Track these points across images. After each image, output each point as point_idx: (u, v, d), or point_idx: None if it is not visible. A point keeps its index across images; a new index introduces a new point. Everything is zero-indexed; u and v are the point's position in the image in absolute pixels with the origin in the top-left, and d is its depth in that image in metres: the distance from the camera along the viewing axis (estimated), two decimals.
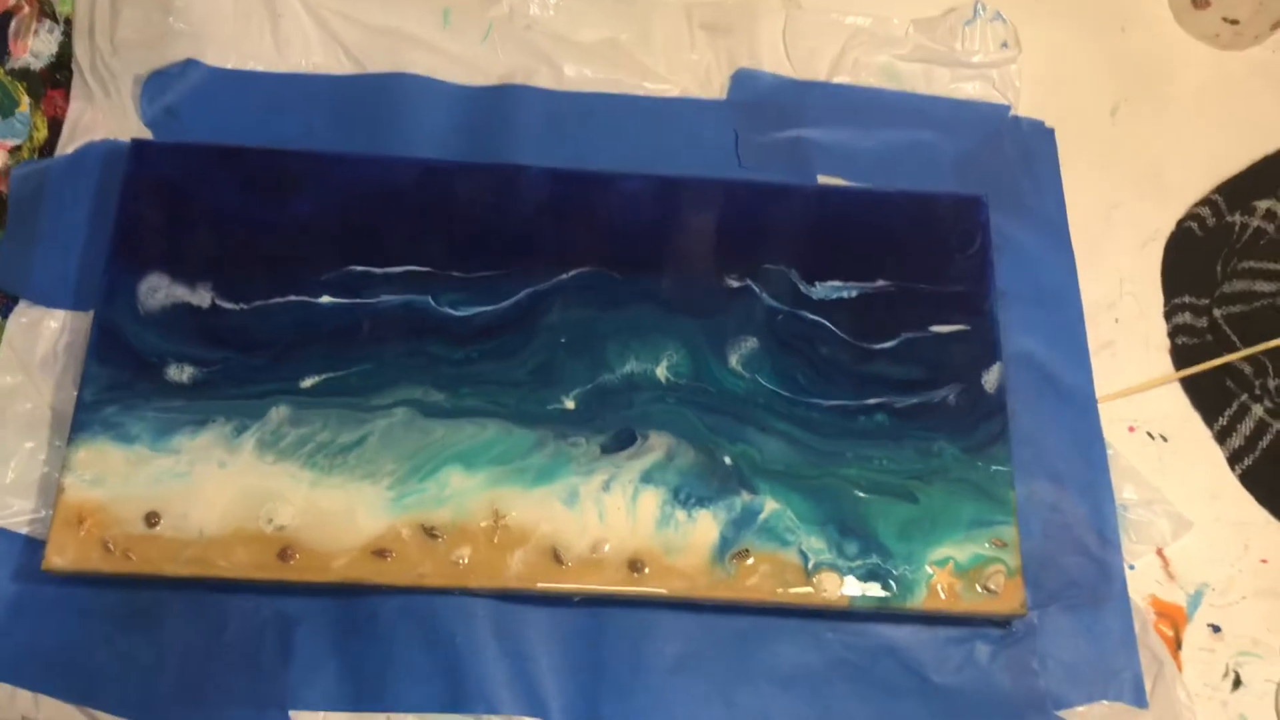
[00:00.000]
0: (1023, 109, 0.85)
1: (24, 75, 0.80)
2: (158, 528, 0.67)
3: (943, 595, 0.68)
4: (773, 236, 0.77)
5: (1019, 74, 0.86)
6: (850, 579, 0.68)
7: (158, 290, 0.72)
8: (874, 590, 0.68)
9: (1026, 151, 0.85)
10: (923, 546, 0.69)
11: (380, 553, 0.67)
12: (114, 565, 0.66)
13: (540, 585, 0.67)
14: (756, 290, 0.75)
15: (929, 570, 0.69)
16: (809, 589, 0.68)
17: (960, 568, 0.69)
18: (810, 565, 0.69)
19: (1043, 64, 0.86)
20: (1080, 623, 0.70)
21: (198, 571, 0.66)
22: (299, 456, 0.69)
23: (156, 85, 0.80)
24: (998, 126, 0.85)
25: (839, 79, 0.85)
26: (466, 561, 0.67)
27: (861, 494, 0.70)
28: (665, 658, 0.69)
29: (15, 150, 0.78)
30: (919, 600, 0.68)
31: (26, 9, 0.80)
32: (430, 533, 0.67)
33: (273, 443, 0.69)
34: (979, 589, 0.69)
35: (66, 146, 0.79)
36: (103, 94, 0.80)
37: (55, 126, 0.80)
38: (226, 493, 0.68)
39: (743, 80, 0.85)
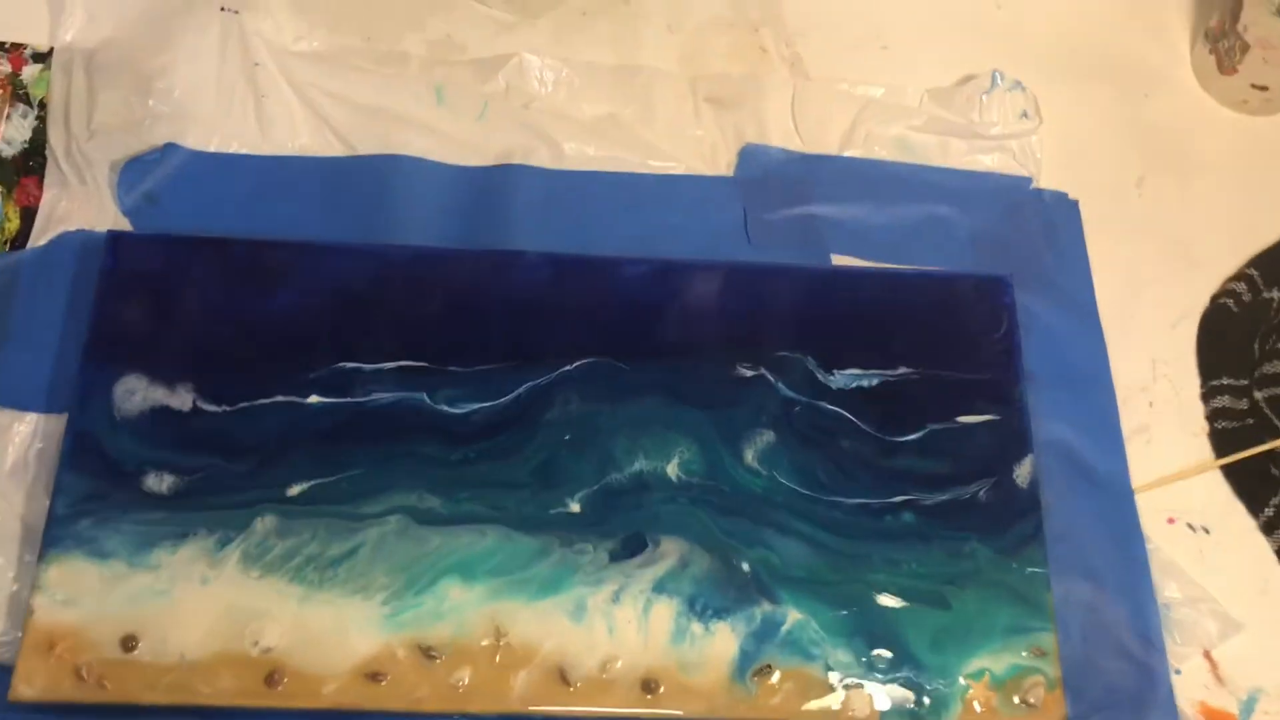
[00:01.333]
0: (1044, 181, 0.82)
1: None
2: (135, 652, 0.62)
3: (979, 710, 0.64)
4: (786, 321, 0.73)
5: (1040, 145, 0.82)
6: (881, 696, 0.64)
7: (135, 392, 0.68)
8: (907, 708, 0.63)
9: (1050, 225, 0.81)
10: (957, 658, 0.65)
11: (374, 675, 0.62)
12: (87, 694, 0.61)
13: (544, 709, 0.62)
14: (771, 379, 0.71)
15: (964, 684, 0.64)
16: (837, 709, 0.63)
17: (997, 680, 0.64)
18: (837, 682, 0.64)
19: (1064, 134, 0.82)
20: None
21: (178, 699, 0.61)
22: (286, 570, 0.64)
23: (135, 172, 0.76)
24: (1019, 199, 0.81)
25: (850, 152, 0.82)
26: (466, 684, 0.62)
27: (890, 601, 0.66)
28: None
29: None
30: (954, 718, 0.63)
31: None
32: (427, 653, 0.63)
33: (258, 556, 0.64)
34: (1017, 702, 0.64)
35: (40, 237, 0.75)
36: (78, 181, 0.76)
37: (29, 216, 0.76)
38: (209, 612, 0.63)
39: (750, 156, 0.81)
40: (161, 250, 0.72)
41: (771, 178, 0.81)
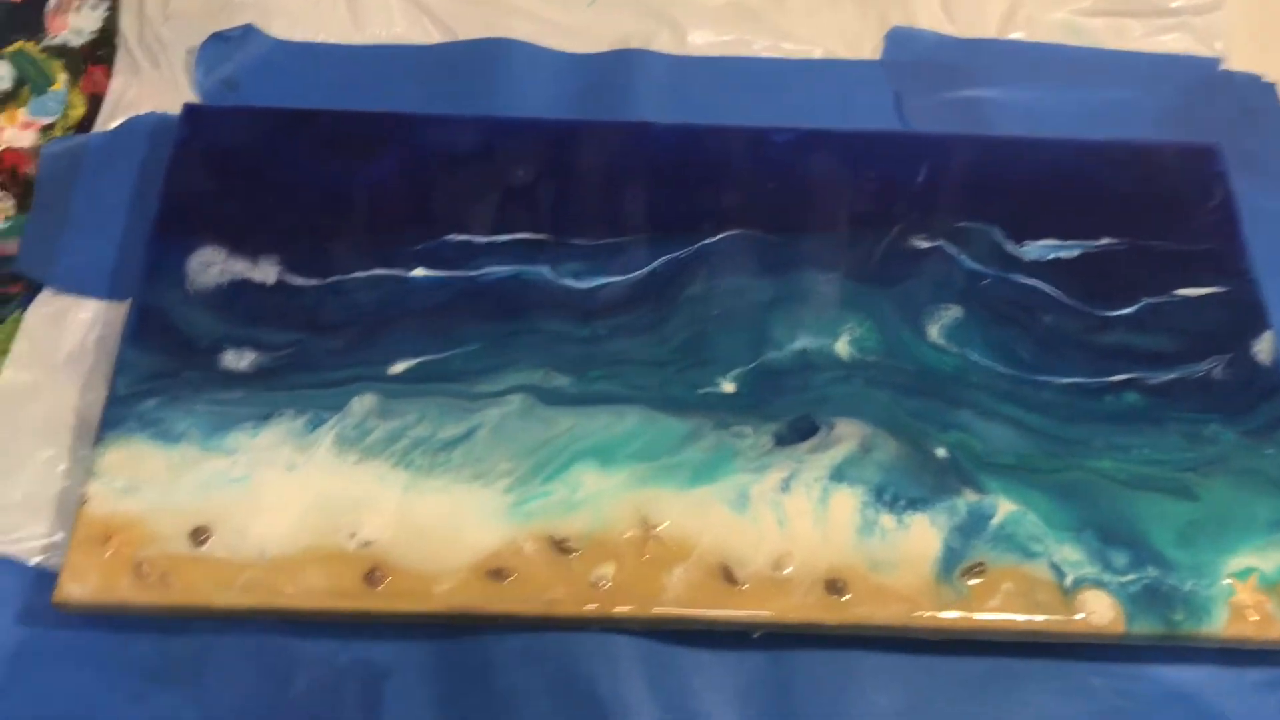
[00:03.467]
0: (1234, 63, 0.71)
1: (61, 52, 0.69)
2: (206, 546, 0.51)
3: (1250, 618, 0.51)
4: (966, 192, 0.62)
5: (1226, 22, 0.72)
6: (1124, 599, 0.51)
7: (211, 265, 0.58)
8: (1156, 614, 0.51)
9: (1246, 109, 0.70)
10: (1214, 555, 0.52)
11: (496, 573, 0.50)
12: (149, 595, 0.50)
13: (711, 613, 0.50)
14: (951, 251, 0.60)
15: (1227, 585, 0.51)
16: (1072, 614, 0.50)
17: (1267, 580, 0.51)
18: (1067, 582, 0.51)
19: (1253, 8, 0.72)
20: None
21: (258, 602, 0.50)
22: (390, 455, 0.53)
23: (214, 53, 0.68)
24: (1207, 82, 0.71)
25: (1011, 37, 0.72)
26: (610, 583, 0.50)
27: (1123, 490, 0.53)
28: (879, 713, 0.51)
29: (47, 129, 0.66)
30: (1218, 626, 0.51)
31: None
32: (561, 546, 0.51)
33: (356, 439, 0.53)
34: None
35: (108, 123, 0.66)
36: (151, 66, 0.68)
37: (96, 104, 0.67)
38: (297, 501, 0.52)
39: (899, 39, 0.72)
40: (243, 122, 0.63)
41: (925, 62, 0.71)
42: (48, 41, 0.70)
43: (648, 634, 0.52)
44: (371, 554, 0.51)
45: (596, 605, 0.50)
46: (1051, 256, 0.60)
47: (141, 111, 0.66)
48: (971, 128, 0.68)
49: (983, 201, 0.62)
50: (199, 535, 0.51)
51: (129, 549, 0.51)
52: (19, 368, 0.57)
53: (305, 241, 0.59)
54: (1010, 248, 0.60)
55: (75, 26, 0.70)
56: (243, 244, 0.59)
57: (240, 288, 0.58)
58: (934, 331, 0.58)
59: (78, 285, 0.60)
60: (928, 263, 0.60)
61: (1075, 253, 0.60)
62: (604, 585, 0.51)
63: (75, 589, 0.50)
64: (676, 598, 0.50)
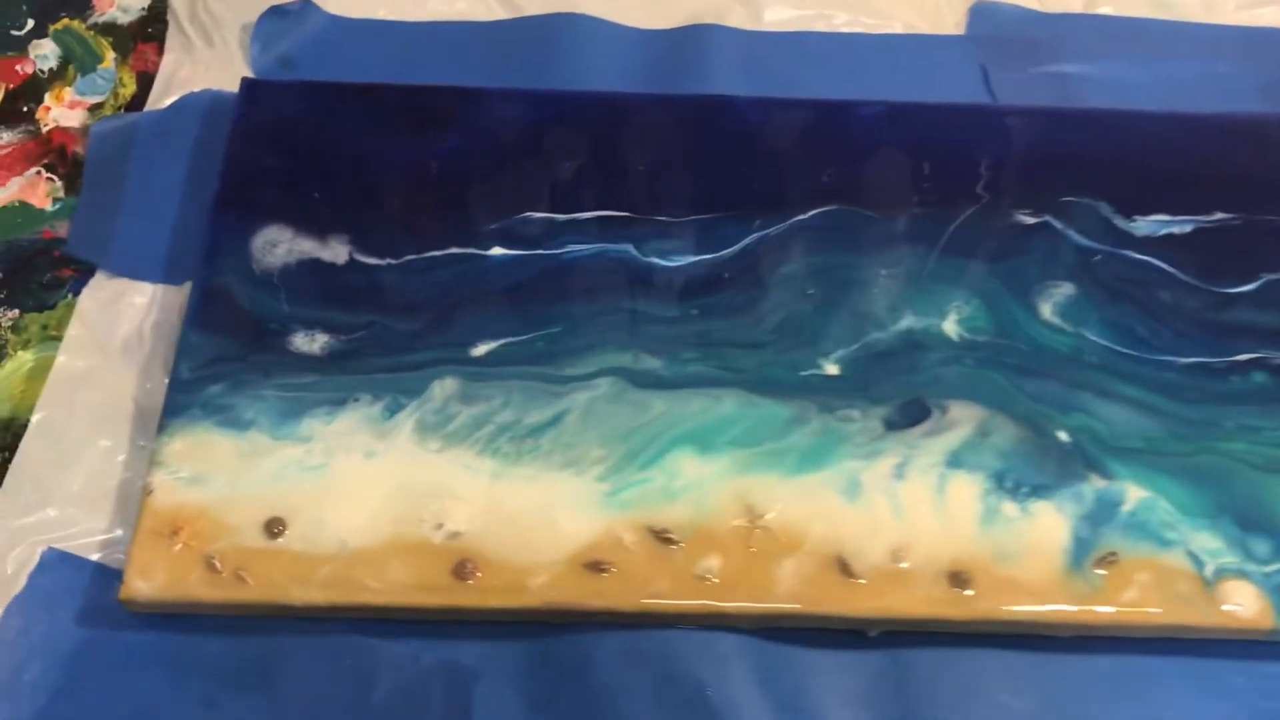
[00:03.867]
0: None
1: (109, 30, 0.66)
2: (282, 539, 0.47)
3: None
4: (1070, 166, 0.59)
5: None
6: (1267, 590, 0.47)
7: (278, 245, 0.55)
8: None
9: None
10: None
11: (595, 565, 0.47)
12: (223, 591, 0.46)
13: (829, 609, 0.47)
14: (1058, 226, 0.57)
15: None
16: (1216, 606, 0.47)
17: None
18: (1208, 572, 0.48)
19: None
20: None
21: (341, 598, 0.46)
22: (475, 441, 0.50)
23: (270, 29, 0.65)
24: None
25: (1098, 11, 0.69)
26: (717, 575, 0.47)
27: (1258, 474, 0.50)
28: (1007, 715, 0.47)
29: (96, 108, 0.63)
30: None
31: None
32: (662, 537, 0.47)
33: (438, 425, 0.50)
34: None
35: (160, 101, 0.63)
36: (204, 43, 0.65)
37: (146, 83, 0.64)
38: (377, 490, 0.48)
39: (983, 13, 0.69)
40: (305, 96, 0.60)
41: (1010, 36, 0.68)
42: (95, 19, 0.66)
43: (756, 632, 0.48)
44: (460, 545, 0.47)
45: (704, 600, 0.46)
46: (1164, 232, 0.57)
47: (195, 89, 0.63)
48: (1062, 103, 0.65)
49: (1088, 176, 0.58)
50: (274, 527, 0.47)
51: (198, 542, 0.47)
52: (73, 354, 0.54)
53: (375, 220, 0.56)
54: (1120, 223, 0.57)
55: (122, 4, 0.67)
56: (310, 222, 0.55)
57: (309, 267, 0.54)
58: (1046, 310, 0.54)
59: (132, 269, 0.57)
60: (1034, 239, 0.56)
61: (1188, 228, 0.57)
62: (711, 579, 0.47)
63: (142, 585, 0.46)
64: (790, 592, 0.47)
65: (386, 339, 0.52)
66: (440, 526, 0.48)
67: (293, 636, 0.48)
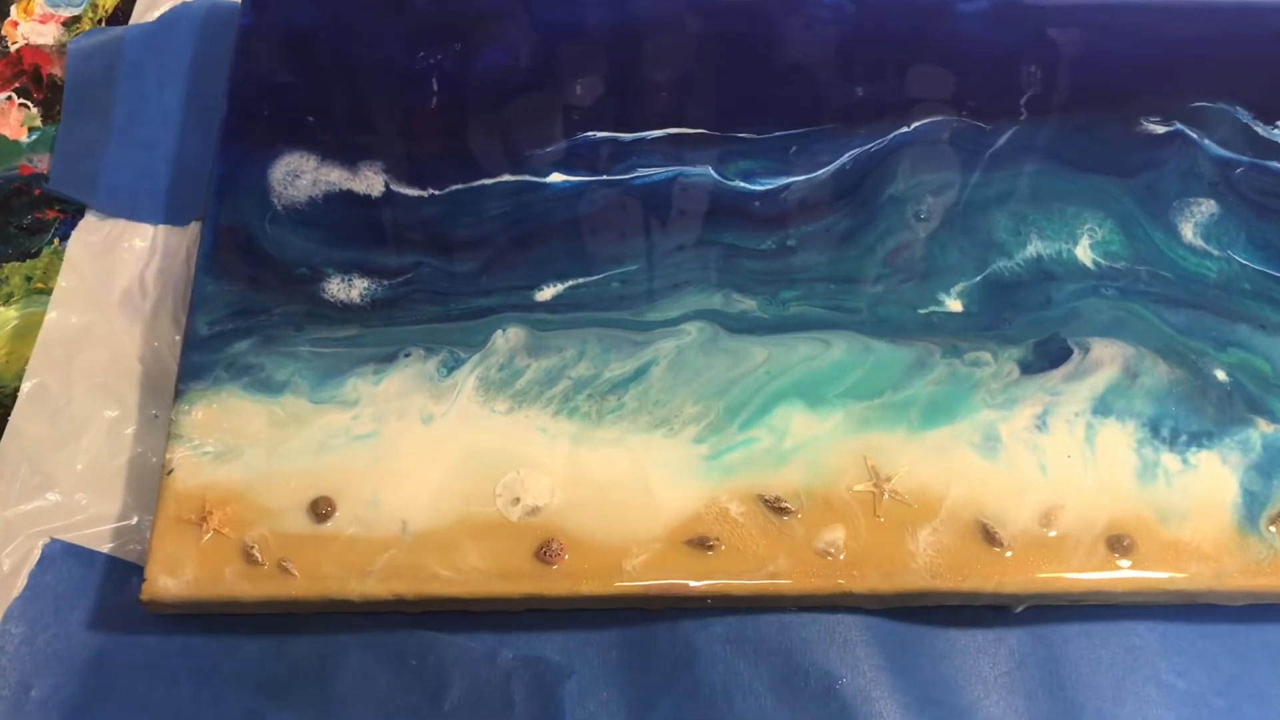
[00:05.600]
0: None
1: None
2: (332, 522, 0.40)
3: None
4: (1201, 67, 0.52)
5: None
6: None
7: (300, 175, 0.47)
8: None
9: None
10: None
11: (700, 542, 0.40)
12: (264, 587, 0.39)
13: (973, 584, 0.40)
14: (1193, 136, 0.49)
15: None
16: None
17: None
18: None
19: None
20: None
21: (406, 590, 0.39)
22: (548, 400, 0.42)
23: None
24: None
25: None
26: (843, 551, 0.40)
27: None
28: (1176, 697, 0.41)
29: (73, 22, 0.54)
30: None
31: None
32: (775, 506, 0.41)
33: (505, 382, 0.43)
34: None
35: (147, 13, 0.54)
36: None
37: None
38: (439, 461, 0.41)
39: None
40: (323, 1, 0.51)
41: None
42: None
43: (884, 615, 0.41)
44: (541, 524, 0.40)
45: (832, 578, 0.40)
46: None
47: None
48: None
49: (1221, 77, 0.51)
50: (321, 509, 0.40)
51: (232, 529, 0.40)
52: (66, 308, 0.46)
53: (413, 144, 0.48)
54: (1261, 130, 0.50)
55: None
56: (336, 149, 0.48)
57: (340, 201, 0.47)
58: (1188, 231, 0.47)
59: (127, 208, 0.49)
60: (1167, 150, 0.49)
61: None
62: (835, 554, 0.40)
63: (168, 582, 0.39)
64: (928, 566, 0.40)
65: (436, 283, 0.45)
66: (517, 501, 0.41)
67: (348, 634, 0.41)
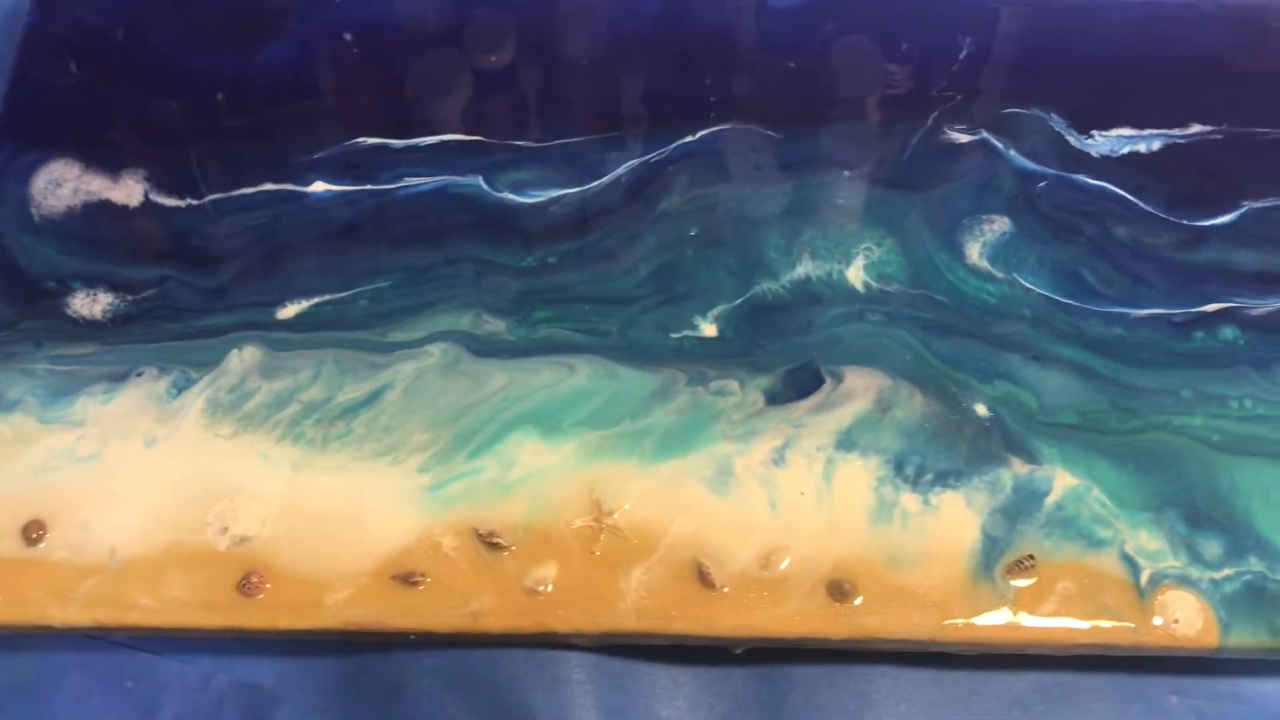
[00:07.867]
0: None
1: None
2: (42, 545, 0.40)
3: None
4: (1013, 68, 0.49)
5: None
6: (1217, 602, 0.39)
7: (62, 183, 0.46)
8: (1260, 621, 0.39)
9: None
10: None
11: (406, 577, 0.39)
12: None
13: (681, 626, 0.39)
14: (998, 145, 0.47)
15: None
16: (1149, 621, 0.39)
17: None
18: (1144, 580, 0.39)
19: None
20: None
21: (105, 618, 0.39)
22: (275, 425, 0.42)
23: None
24: None
25: None
26: (550, 588, 0.39)
27: (1217, 456, 0.41)
28: None
29: None
30: None
31: None
32: (489, 541, 0.40)
33: (233, 405, 0.42)
34: None
35: None
36: None
37: None
38: (156, 486, 0.41)
39: None
40: (108, 1, 0.51)
41: None
42: None
43: (601, 652, 0.40)
44: (248, 554, 0.40)
45: (537, 618, 0.39)
46: (1126, 150, 0.47)
47: None
48: None
49: (1038, 81, 0.49)
50: (31, 533, 0.40)
51: None
52: None
53: (179, 151, 0.47)
54: (1073, 140, 0.47)
55: None
56: (103, 155, 0.47)
57: (97, 210, 0.46)
58: (974, 251, 0.45)
59: None
60: (967, 161, 0.47)
61: (1156, 145, 0.47)
62: (544, 592, 0.39)
63: None
64: (639, 608, 0.39)
65: (180, 298, 0.44)
66: (226, 530, 0.40)
67: (69, 654, 0.41)
